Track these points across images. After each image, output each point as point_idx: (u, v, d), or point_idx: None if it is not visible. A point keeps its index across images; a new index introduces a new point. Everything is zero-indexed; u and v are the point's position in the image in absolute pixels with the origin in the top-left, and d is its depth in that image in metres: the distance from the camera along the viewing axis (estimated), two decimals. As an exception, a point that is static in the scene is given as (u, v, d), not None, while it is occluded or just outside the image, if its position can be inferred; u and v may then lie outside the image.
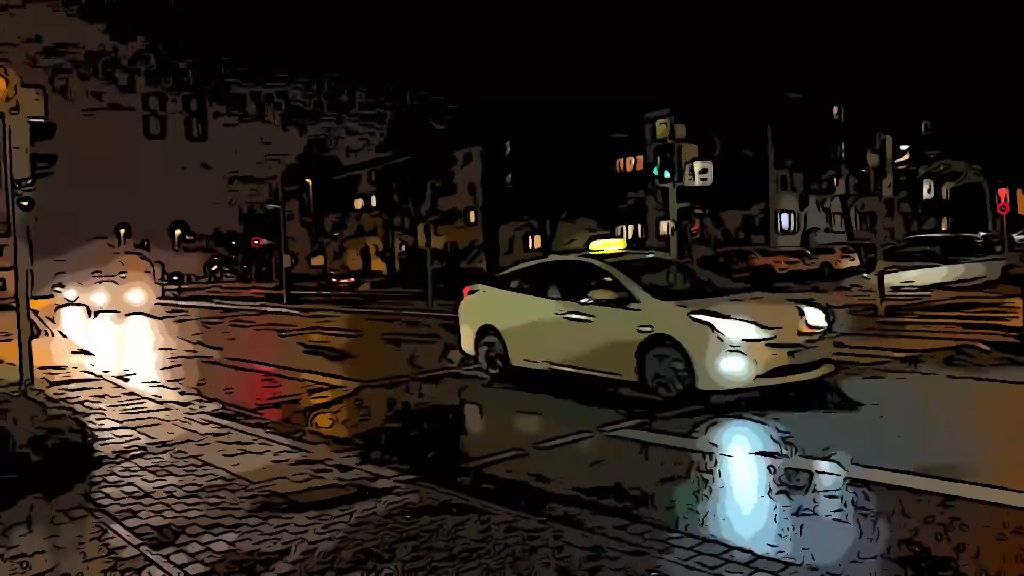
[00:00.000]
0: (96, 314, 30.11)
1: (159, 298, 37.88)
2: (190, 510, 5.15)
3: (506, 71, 46.91)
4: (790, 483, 5.67)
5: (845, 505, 5.11)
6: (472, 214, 62.30)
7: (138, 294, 31.64)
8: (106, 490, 5.70)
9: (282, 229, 41.00)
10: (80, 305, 34.68)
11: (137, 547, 4.52)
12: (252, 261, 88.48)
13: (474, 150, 60.54)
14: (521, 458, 6.58)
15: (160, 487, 5.73)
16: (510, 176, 57.46)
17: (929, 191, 53.74)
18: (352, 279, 61.49)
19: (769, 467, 6.07)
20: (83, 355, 15.82)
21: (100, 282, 33.09)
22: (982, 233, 34.45)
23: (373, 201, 70.84)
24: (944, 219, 53.14)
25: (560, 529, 4.54)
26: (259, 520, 4.89)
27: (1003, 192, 27.29)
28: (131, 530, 4.81)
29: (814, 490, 5.52)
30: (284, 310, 31.82)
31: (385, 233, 67.67)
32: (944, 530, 4.61)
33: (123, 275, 33.58)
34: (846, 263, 35.09)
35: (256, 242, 59.14)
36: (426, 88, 52.53)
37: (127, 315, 29.50)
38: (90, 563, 4.31)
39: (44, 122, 10.07)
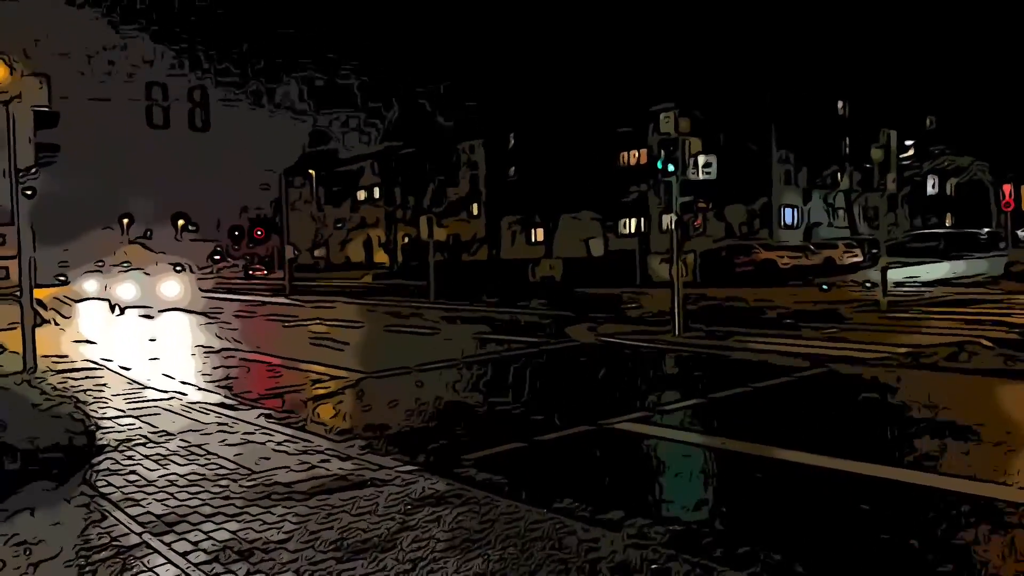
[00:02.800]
0: (123, 310, 26.22)
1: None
2: (192, 498, 5.17)
3: (511, 64, 46.77)
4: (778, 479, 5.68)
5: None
6: (475, 206, 62.23)
7: (173, 286, 27.46)
8: (108, 478, 5.71)
9: (284, 221, 41.03)
10: (102, 299, 30.43)
11: (139, 534, 4.54)
12: (255, 252, 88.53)
13: (477, 143, 60.45)
14: (524, 450, 6.59)
15: (162, 475, 5.75)
16: (513, 169, 57.36)
17: (933, 187, 53.59)
18: (264, 271, 61.85)
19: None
20: (87, 344, 15.86)
21: (126, 272, 28.88)
22: (986, 229, 34.43)
23: (376, 193, 70.80)
24: (948, 215, 53.01)
25: (561, 521, 4.56)
26: (261, 509, 4.91)
27: (1007, 188, 27.24)
28: (133, 518, 4.83)
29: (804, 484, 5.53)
30: (286, 301, 31.84)
31: (388, 225, 67.67)
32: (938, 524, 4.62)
33: (125, 264, 31.63)
34: (849, 258, 35.04)
35: (258, 233, 59.21)
36: (431, 80, 52.32)
37: (161, 311, 25.56)
38: (92, 550, 4.32)
39: (48, 111, 10.08)
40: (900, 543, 4.39)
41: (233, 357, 13.80)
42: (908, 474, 5.51)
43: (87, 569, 4.07)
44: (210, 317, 23.69)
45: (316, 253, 74.43)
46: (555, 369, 11.41)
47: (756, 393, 8.57)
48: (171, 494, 5.29)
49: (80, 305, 31.64)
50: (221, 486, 5.44)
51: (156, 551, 4.29)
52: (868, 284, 16.96)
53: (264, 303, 31.75)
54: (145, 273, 28.24)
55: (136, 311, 25.58)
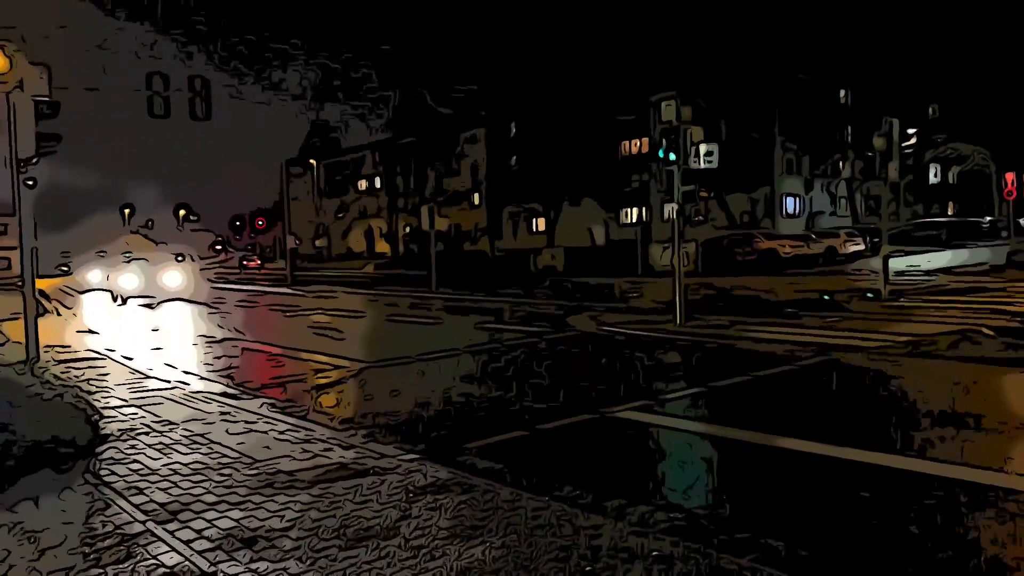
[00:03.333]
0: (125, 300, 26.09)
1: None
2: (195, 487, 5.20)
3: (512, 52, 46.62)
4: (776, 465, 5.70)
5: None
6: (476, 196, 62.11)
7: (175, 276, 27.30)
8: (112, 467, 5.74)
9: (286, 211, 41.04)
10: (104, 290, 30.08)
11: (143, 523, 4.56)
12: (257, 242, 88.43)
13: (479, 132, 60.27)
14: (526, 438, 6.61)
15: (166, 464, 5.77)
16: (515, 158, 57.23)
17: (936, 175, 53.46)
18: (258, 261, 62.11)
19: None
20: (89, 334, 15.89)
21: (128, 262, 28.49)
22: (988, 218, 34.35)
23: (377, 182, 70.64)
24: (950, 203, 52.89)
25: (563, 508, 4.57)
26: (264, 497, 4.93)
27: (1010, 176, 27.14)
28: (137, 506, 4.85)
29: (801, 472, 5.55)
30: (288, 291, 31.86)
31: (389, 215, 67.60)
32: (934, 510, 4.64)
33: (127, 254, 31.46)
34: (851, 247, 34.99)
35: (260, 223, 59.24)
36: (432, 69, 52.15)
37: (163, 302, 25.43)
38: (96, 538, 4.35)
39: (48, 100, 10.06)
40: (900, 530, 4.41)
41: (235, 347, 13.83)
42: (908, 461, 5.53)
43: (91, 557, 4.09)
44: (212, 307, 23.71)
45: (317, 243, 74.41)
46: (557, 358, 11.43)
47: (757, 382, 8.58)
48: (174, 483, 5.32)
49: (83, 295, 31.62)
50: (224, 475, 5.46)
51: (160, 539, 4.32)
52: (871, 295, 16.81)
53: (266, 293, 31.77)
54: (147, 263, 27.97)
55: (138, 301, 25.57)
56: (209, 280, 33.52)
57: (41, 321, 11.13)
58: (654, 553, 3.92)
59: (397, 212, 65.89)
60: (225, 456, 5.94)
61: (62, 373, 10.04)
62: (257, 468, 5.58)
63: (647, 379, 9.37)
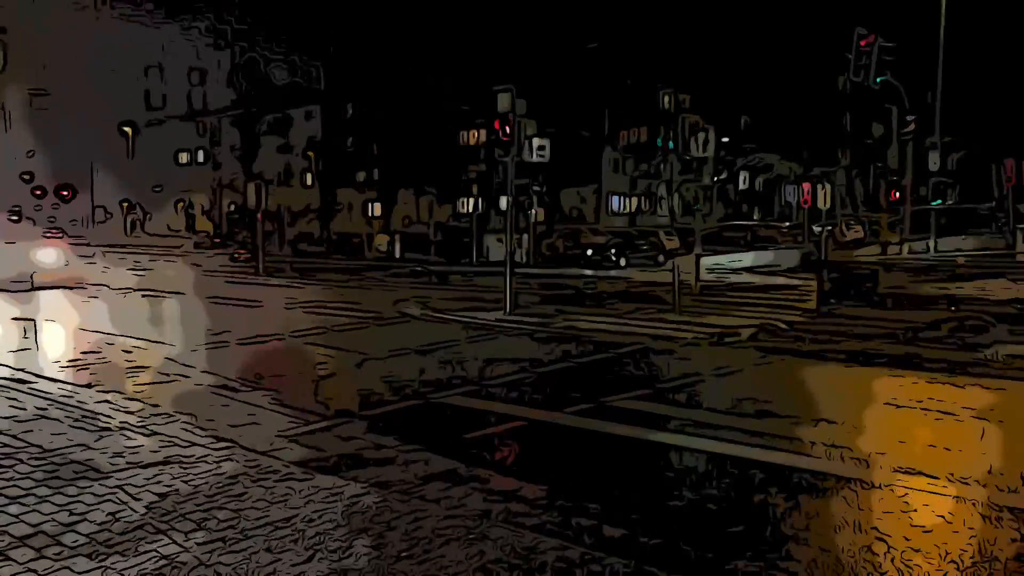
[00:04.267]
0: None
1: None
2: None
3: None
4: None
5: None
6: (309, 176, 60.04)
7: (50, 253, 25.49)
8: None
9: (91, 185, 40.72)
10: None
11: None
12: (55, 214, 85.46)
13: (314, 108, 58.50)
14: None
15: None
16: (351, 140, 56.09)
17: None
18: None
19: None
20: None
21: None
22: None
23: (201, 156, 66.78)
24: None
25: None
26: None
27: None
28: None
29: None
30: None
31: (213, 190, 64.48)
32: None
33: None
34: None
35: (65, 194, 58.28)
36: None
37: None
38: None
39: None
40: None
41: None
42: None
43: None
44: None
45: (130, 218, 69.54)
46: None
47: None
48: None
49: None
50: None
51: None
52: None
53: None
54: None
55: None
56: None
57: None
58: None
59: (222, 188, 62.64)
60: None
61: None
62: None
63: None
